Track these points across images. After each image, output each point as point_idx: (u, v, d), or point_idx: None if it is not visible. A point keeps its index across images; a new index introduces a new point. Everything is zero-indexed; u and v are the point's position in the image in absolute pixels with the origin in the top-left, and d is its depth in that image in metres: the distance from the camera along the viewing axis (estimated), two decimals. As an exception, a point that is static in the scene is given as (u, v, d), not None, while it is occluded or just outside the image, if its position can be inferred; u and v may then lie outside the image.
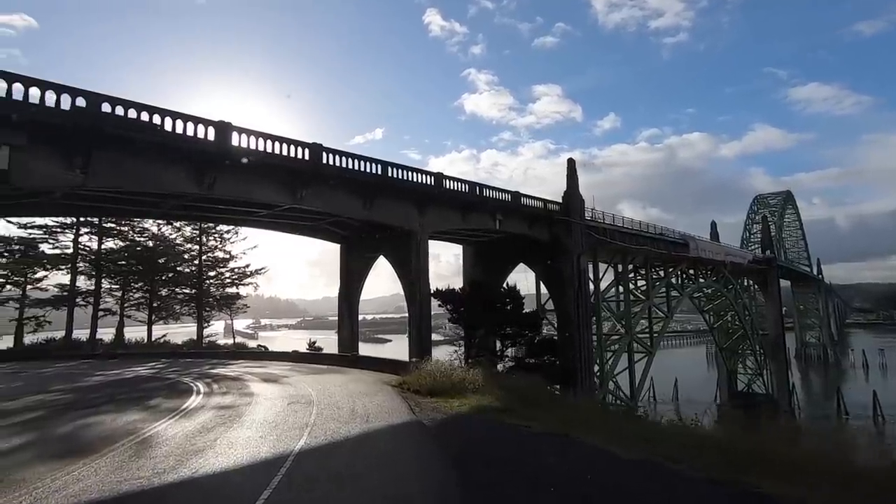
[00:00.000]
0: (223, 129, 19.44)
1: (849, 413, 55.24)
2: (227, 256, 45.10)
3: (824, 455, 6.71)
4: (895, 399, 55.64)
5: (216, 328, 52.83)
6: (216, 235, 44.29)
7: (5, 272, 42.82)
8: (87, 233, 41.37)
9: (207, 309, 44.55)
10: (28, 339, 42.41)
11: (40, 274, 43.00)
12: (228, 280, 45.56)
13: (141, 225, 43.24)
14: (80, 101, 16.47)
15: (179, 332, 49.71)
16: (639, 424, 10.40)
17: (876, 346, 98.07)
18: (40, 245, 42.20)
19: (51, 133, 16.20)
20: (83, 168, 17.00)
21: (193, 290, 43.94)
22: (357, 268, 31.73)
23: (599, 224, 40.06)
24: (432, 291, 23.42)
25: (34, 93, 15.67)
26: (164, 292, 44.59)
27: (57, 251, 41.57)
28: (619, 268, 49.25)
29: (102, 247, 42.15)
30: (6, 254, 43.13)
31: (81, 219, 40.78)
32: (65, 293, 41.38)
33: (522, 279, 34.91)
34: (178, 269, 44.42)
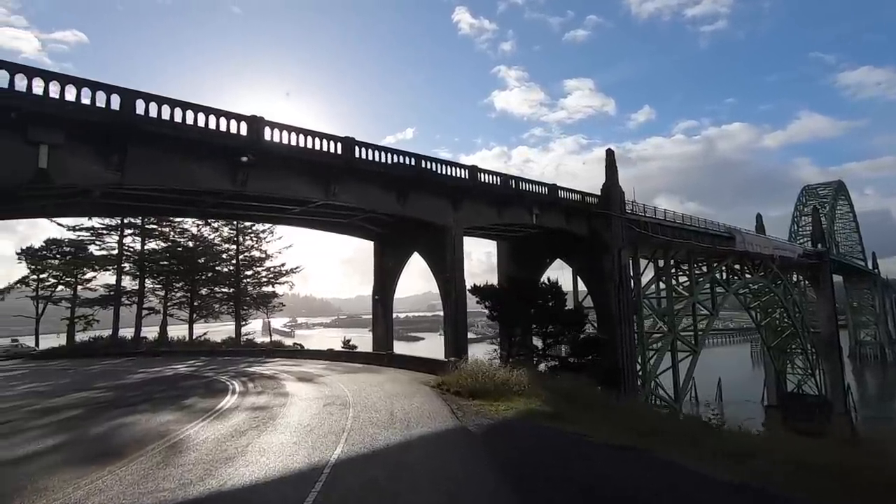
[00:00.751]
0: (256, 123, 19.00)
1: (912, 415, 51.10)
2: (263, 255, 45.43)
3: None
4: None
5: (254, 326, 53.42)
6: (252, 235, 44.63)
7: (58, 273, 44.44)
8: (130, 234, 42.37)
9: (245, 308, 44.95)
10: (78, 337, 43.90)
11: (89, 275, 44.43)
12: (265, 279, 45.86)
13: (181, 226, 43.99)
14: (115, 99, 16.27)
15: (220, 330, 50.45)
16: (712, 433, 9.10)
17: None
18: (88, 247, 43.56)
19: (87, 131, 16.05)
20: (119, 166, 16.82)
21: (231, 290, 44.41)
22: (391, 265, 31.06)
23: (640, 217, 38.12)
24: (469, 288, 22.43)
25: (70, 91, 15.52)
26: (204, 291, 45.25)
27: (103, 252, 42.76)
28: (660, 263, 47.05)
29: (145, 248, 43.06)
30: (58, 255, 44.74)
31: (125, 220, 41.80)
32: (111, 293, 42.48)
33: (558, 276, 33.43)
34: (216, 268, 44.99)
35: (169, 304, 44.30)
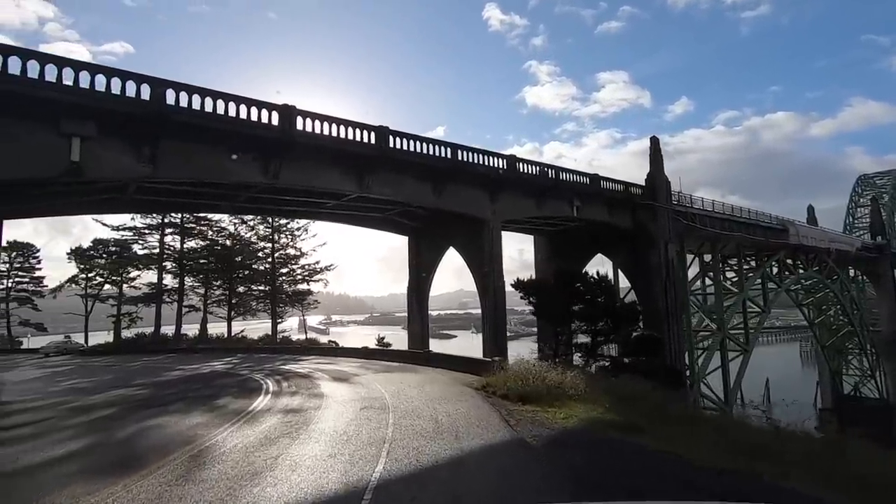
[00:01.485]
0: (287, 113, 18.12)
1: None
2: (298, 253, 45.16)
3: None
4: None
5: (290, 324, 53.39)
6: (287, 233, 44.44)
7: (104, 272, 45.46)
8: (171, 233, 42.83)
9: (281, 305, 44.82)
10: (124, 334, 44.77)
11: (133, 273, 45.26)
12: (300, 277, 45.61)
13: (219, 224, 44.22)
14: (145, 89, 15.65)
15: (257, 327, 50.57)
16: (832, 452, 7.37)
17: None
18: (132, 246, 44.34)
19: (118, 123, 15.49)
20: (151, 159, 16.22)
21: (268, 287, 44.34)
22: (426, 260, 29.91)
23: (688, 209, 35.65)
24: (511, 283, 21.03)
25: (100, 81, 14.97)
26: (241, 290, 45.37)
27: (146, 251, 43.40)
28: (706, 258, 44.21)
29: (185, 246, 43.48)
30: (104, 255, 45.78)
31: (165, 220, 42.27)
32: (153, 291, 43.06)
33: (598, 271, 31.52)
34: (253, 266, 45.02)
35: (208, 301, 44.62)
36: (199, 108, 16.37)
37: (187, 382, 19.78)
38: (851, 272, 60.90)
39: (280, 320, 44.98)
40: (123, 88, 15.23)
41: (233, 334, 44.08)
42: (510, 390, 12.79)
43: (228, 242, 44.65)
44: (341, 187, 20.80)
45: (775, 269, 48.99)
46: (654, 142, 34.45)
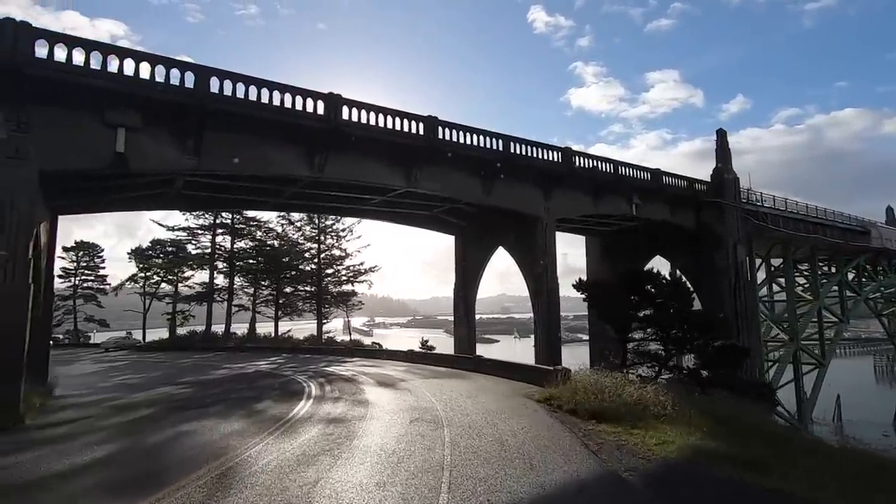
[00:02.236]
0: (333, 102, 17.03)
1: None
2: (343, 254, 44.68)
3: None
4: None
5: (335, 325, 53.10)
6: (333, 234, 44.05)
7: (160, 271, 46.68)
8: (221, 233, 43.37)
9: (326, 306, 44.43)
10: (178, 331, 45.75)
11: (188, 273, 46.22)
12: (345, 277, 45.10)
13: (267, 225, 44.44)
14: (189, 77, 14.93)
15: (303, 328, 50.55)
16: None
17: None
18: (186, 246, 45.28)
19: (162, 113, 14.83)
20: (195, 150, 15.49)
21: (313, 288, 44.08)
22: (474, 260, 28.26)
23: (758, 208, 32.27)
24: (574, 282, 19.07)
25: (144, 70, 14.36)
26: (288, 290, 45.38)
27: (199, 251, 44.15)
28: (773, 262, 40.21)
29: (234, 246, 43.90)
30: (161, 255, 47.01)
31: (217, 220, 42.83)
32: (205, 290, 43.69)
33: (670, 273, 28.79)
34: (299, 267, 44.93)
35: (257, 301, 44.87)
36: (243, 96, 15.53)
37: (231, 382, 19.10)
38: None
39: (325, 321, 44.59)
40: (167, 76, 14.56)
41: (279, 334, 44.07)
42: (579, 405, 10.94)
43: (276, 243, 44.76)
44: (388, 181, 19.54)
45: (851, 276, 44.07)
46: (722, 135, 31.40)
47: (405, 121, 18.61)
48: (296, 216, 42.69)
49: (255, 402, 13.43)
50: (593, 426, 9.59)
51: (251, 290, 44.99)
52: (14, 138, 13.11)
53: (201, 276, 45.51)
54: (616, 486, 6.19)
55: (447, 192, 21.20)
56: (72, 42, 13.39)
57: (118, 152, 14.36)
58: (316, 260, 44.01)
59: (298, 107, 16.44)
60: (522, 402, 12.25)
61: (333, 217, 42.67)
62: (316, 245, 43.85)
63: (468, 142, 20.32)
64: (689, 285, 31.65)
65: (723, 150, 31.05)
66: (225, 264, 43.99)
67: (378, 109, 18.02)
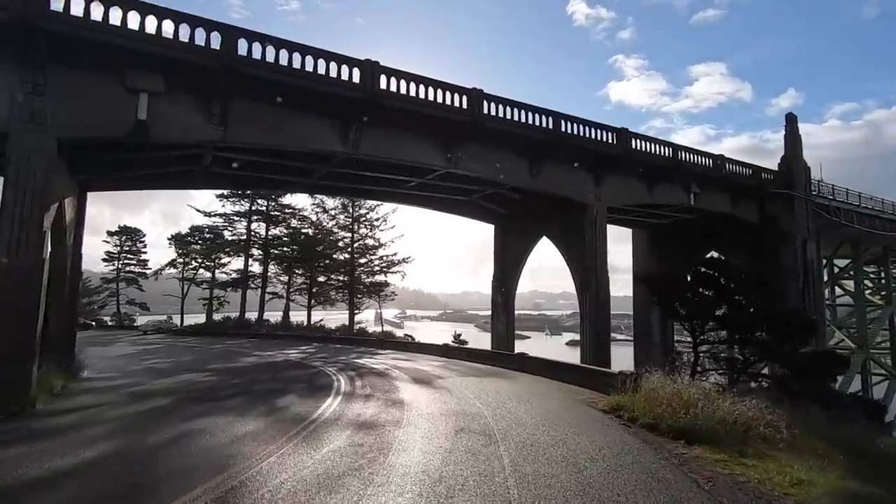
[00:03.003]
0: (370, 70, 15.29)
1: None
2: (377, 244, 43.34)
3: None
4: None
5: (366, 315, 52.00)
6: (367, 223, 42.78)
7: (198, 257, 46.63)
8: (256, 220, 42.84)
9: (358, 296, 43.28)
10: (215, 316, 45.68)
11: (225, 259, 45.99)
12: (377, 267, 43.80)
13: (301, 213, 43.63)
14: (215, 38, 13.48)
15: (336, 317, 49.72)
16: None
17: None
18: (223, 232, 44.99)
19: (187, 78, 13.46)
20: (222, 120, 14.08)
21: (346, 278, 43.00)
22: (514, 251, 26.14)
23: (830, 201, 28.79)
24: (637, 273, 16.77)
25: (167, 29, 12.99)
26: (321, 279, 44.53)
27: (234, 238, 43.80)
28: (833, 262, 36.31)
29: (269, 234, 43.34)
30: (199, 241, 46.93)
31: (252, 207, 42.26)
32: (240, 276, 43.32)
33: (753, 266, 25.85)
34: (333, 256, 43.93)
35: (291, 290, 44.21)
36: (273, 60, 14.00)
37: (258, 372, 17.84)
38: None
39: (357, 311, 43.44)
40: (192, 36, 13.16)
41: (312, 323, 43.27)
42: (658, 418, 8.84)
43: (310, 231, 43.88)
44: (427, 161, 17.72)
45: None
46: (792, 120, 28.06)
47: (447, 93, 16.71)
48: (330, 203, 41.71)
49: (279, 397, 11.92)
50: (686, 450, 7.49)
51: (285, 279, 44.36)
52: (29, 102, 11.99)
53: (237, 263, 45.26)
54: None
55: (489, 174, 19.19)
56: (88, -6, 12.09)
57: (140, 120, 13.08)
58: (349, 249, 42.87)
59: (333, 74, 14.78)
60: (585, 411, 10.22)
61: (368, 207, 41.45)
62: (349, 234, 42.71)
63: (515, 118, 18.25)
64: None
65: (793, 137, 27.73)
66: (260, 251, 43.49)
67: (418, 79, 16.18)
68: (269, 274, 43.44)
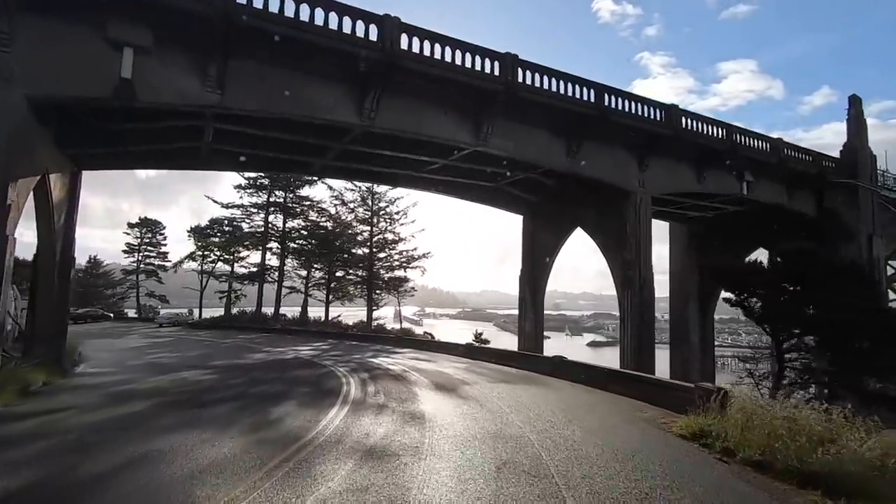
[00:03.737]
0: (389, 28, 13.08)
1: None
2: (396, 238, 41.24)
3: None
4: None
5: (385, 312, 49.99)
6: (386, 216, 40.76)
7: (216, 250, 45.33)
8: (273, 212, 41.30)
9: (377, 291, 41.29)
10: (232, 310, 44.34)
11: (244, 253, 44.55)
12: (397, 263, 41.73)
13: (319, 205, 41.91)
14: (212, -15, 11.42)
15: (355, 314, 47.94)
16: None
17: None
18: (241, 225, 43.58)
19: (178, 31, 11.45)
20: (218, 82, 12.03)
21: (364, 273, 41.07)
22: (545, 244, 23.59)
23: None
24: (713, 266, 14.20)
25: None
26: (339, 274, 42.75)
27: (251, 230, 42.39)
28: (889, 261, 32.67)
29: (287, 226, 41.79)
30: (218, 233, 45.64)
31: (270, 199, 40.69)
32: (257, 270, 41.90)
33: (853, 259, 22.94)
34: (352, 251, 42.07)
35: (309, 284, 42.55)
36: (277, 12, 11.89)
37: (263, 370, 15.88)
38: None
39: (375, 307, 41.45)
40: (183, -19, 11.15)
41: (330, 318, 41.50)
42: (767, 452, 6.36)
43: (329, 225, 42.09)
44: (453, 136, 15.42)
45: None
46: (856, 102, 24.84)
47: (476, 56, 14.37)
48: (349, 196, 39.90)
49: (275, 405, 9.79)
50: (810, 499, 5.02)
51: (303, 273, 42.72)
52: (-7, 53, 10.16)
53: (255, 256, 43.81)
54: None
55: (522, 154, 16.79)
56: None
57: (124, 78, 11.12)
58: (368, 244, 40.92)
59: (347, 31, 12.61)
60: (659, 436, 7.75)
61: (387, 200, 39.50)
62: (368, 228, 40.75)
63: (553, 89, 15.80)
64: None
65: (857, 121, 24.53)
66: (277, 245, 41.93)
67: (444, 40, 13.88)
68: (286, 268, 41.82)
